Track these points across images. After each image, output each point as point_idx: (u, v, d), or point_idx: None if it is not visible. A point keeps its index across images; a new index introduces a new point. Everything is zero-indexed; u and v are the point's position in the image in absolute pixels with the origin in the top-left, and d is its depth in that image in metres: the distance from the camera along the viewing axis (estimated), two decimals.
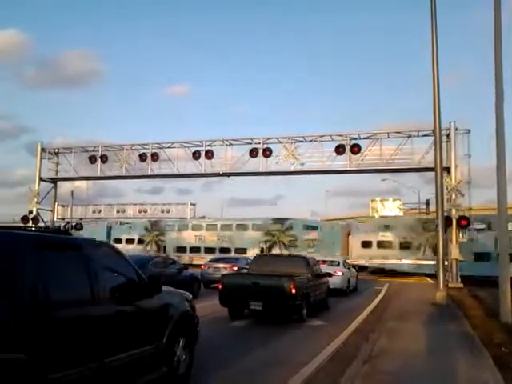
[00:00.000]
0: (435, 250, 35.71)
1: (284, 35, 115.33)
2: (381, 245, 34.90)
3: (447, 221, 22.81)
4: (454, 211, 25.38)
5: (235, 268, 20.40)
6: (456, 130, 26.30)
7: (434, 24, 16.77)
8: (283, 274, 11.93)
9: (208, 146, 30.52)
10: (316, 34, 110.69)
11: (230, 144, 30.60)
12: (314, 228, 40.45)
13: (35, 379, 3.58)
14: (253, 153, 29.09)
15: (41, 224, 32.42)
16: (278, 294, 11.08)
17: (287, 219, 41.80)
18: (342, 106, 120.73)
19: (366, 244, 35.24)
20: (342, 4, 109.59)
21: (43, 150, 34.68)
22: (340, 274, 19.32)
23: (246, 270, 16.35)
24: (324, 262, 20.42)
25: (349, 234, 37.97)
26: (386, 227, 35.70)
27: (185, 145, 31.35)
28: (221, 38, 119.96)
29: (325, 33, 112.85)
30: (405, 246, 34.28)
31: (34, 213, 34.27)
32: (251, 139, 29.89)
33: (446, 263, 20.47)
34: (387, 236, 34.78)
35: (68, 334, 4.04)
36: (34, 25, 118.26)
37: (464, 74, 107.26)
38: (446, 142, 25.95)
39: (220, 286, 11.96)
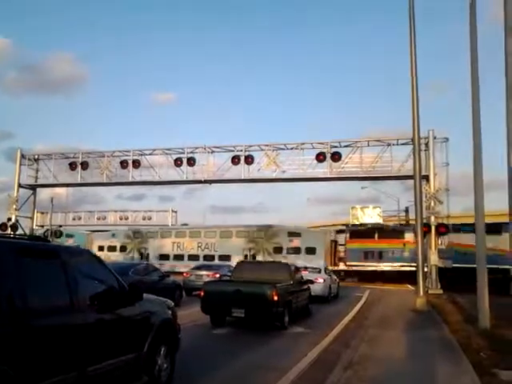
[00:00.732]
0: (141, 253, 44.95)
1: (271, 44, 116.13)
2: (109, 249, 46.22)
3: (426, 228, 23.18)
4: (432, 218, 25.77)
5: (217, 275, 20.33)
6: (434, 138, 26.75)
7: (413, 34, 17.09)
8: (265, 281, 11.93)
9: (190, 153, 30.50)
10: (305, 45, 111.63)
11: (212, 151, 30.60)
12: (72, 236, 50.09)
13: None
14: (235, 160, 29.14)
15: (19, 231, 31.94)
16: (260, 301, 11.07)
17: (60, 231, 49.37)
18: (325, 116, 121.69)
19: (101, 248, 46.33)
20: (327, 16, 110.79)
21: (23, 156, 34.22)
22: (321, 280, 19.38)
23: (228, 278, 16.32)
24: (306, 268, 20.47)
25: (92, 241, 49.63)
26: (113, 235, 47.71)
27: (167, 152, 31.25)
28: (205, 45, 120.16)
29: (314, 44, 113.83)
30: (123, 249, 45.60)
31: (13, 220, 33.73)
32: (233, 146, 29.95)
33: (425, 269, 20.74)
34: (114, 242, 46.64)
35: (47, 343, 3.98)
36: (15, 28, 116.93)
37: (442, 82, 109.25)
38: (425, 150, 26.36)
39: (202, 294, 11.91)
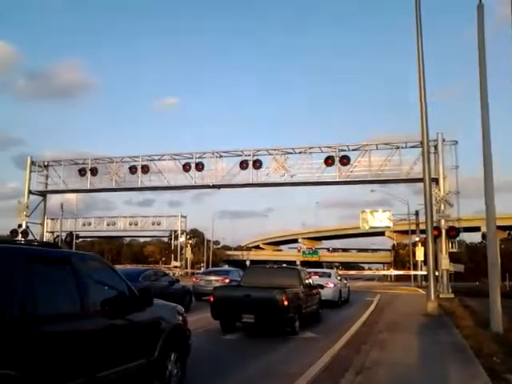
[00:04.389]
0: None
1: (277, 50, 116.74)
2: None
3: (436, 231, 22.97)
4: (443, 222, 25.56)
5: (227, 280, 20.31)
6: (443, 141, 26.59)
7: (420, 35, 16.94)
8: (275, 286, 11.88)
9: (198, 158, 30.58)
10: (312, 51, 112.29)
11: (220, 156, 30.68)
12: None
13: None
14: (243, 165, 29.17)
15: (30, 237, 32.19)
16: (271, 306, 11.02)
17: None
18: (336, 120, 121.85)
19: None
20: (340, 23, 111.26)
21: (33, 162, 34.51)
22: (332, 285, 19.30)
23: (237, 283, 16.29)
24: (316, 273, 20.43)
25: None
26: None
27: (175, 157, 31.37)
28: (211, 53, 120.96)
29: (318, 49, 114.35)
30: None
31: (24, 226, 33.97)
32: (241, 151, 30.00)
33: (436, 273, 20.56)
34: None
35: (58, 349, 3.98)
36: (26, 37, 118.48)
37: (453, 86, 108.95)
38: (434, 153, 26.20)
39: (212, 299, 11.88)
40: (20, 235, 32.64)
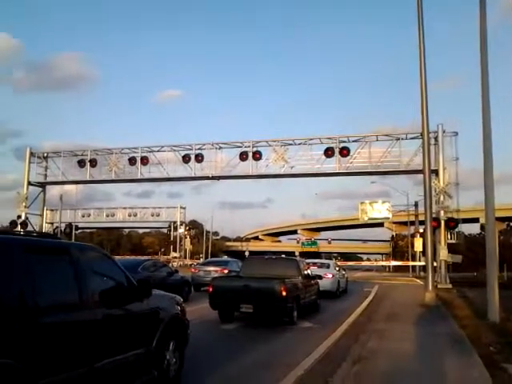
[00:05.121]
0: None
1: (281, 42, 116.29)
2: None
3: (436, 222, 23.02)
4: (442, 213, 25.61)
5: (226, 271, 20.37)
6: (444, 132, 26.55)
7: (421, 26, 16.91)
8: (274, 276, 11.93)
9: (198, 149, 30.55)
10: (314, 42, 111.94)
11: (220, 147, 30.62)
12: None
13: None
14: (243, 156, 29.14)
15: (30, 228, 32.20)
16: (269, 296, 11.08)
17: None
18: (337, 112, 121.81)
19: None
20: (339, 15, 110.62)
21: (32, 154, 34.47)
22: (330, 276, 19.35)
23: (235, 273, 16.35)
24: (314, 264, 20.49)
25: None
26: None
27: (175, 148, 31.33)
28: (215, 45, 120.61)
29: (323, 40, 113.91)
30: None
31: (23, 217, 33.99)
32: (241, 142, 29.94)
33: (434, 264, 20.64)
34: None
35: (57, 339, 4.00)
36: (26, 29, 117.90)
37: (454, 77, 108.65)
38: (434, 144, 26.18)
39: (210, 289, 11.93)
40: (19, 226, 32.68)
